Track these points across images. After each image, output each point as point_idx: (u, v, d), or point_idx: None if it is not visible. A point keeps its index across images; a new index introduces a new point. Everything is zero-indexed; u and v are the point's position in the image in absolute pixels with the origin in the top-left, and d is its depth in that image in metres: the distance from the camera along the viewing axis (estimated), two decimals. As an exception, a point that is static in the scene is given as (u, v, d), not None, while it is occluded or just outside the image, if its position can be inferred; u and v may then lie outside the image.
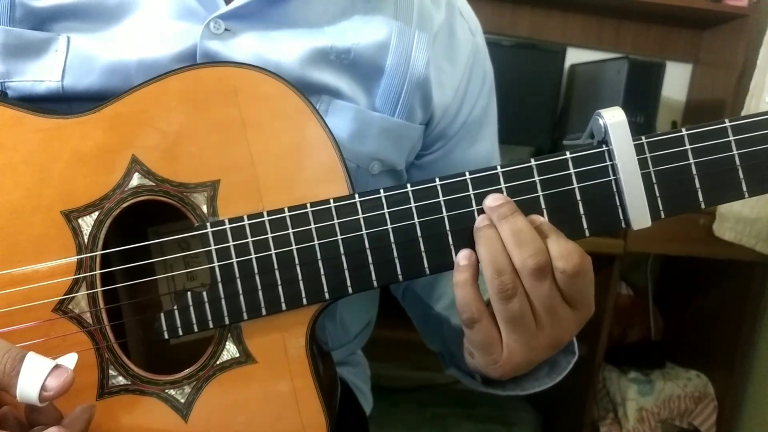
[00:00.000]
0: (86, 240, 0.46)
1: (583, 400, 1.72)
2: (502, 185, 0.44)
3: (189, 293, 0.45)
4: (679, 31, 1.93)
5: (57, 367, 0.38)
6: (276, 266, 0.45)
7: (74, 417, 0.40)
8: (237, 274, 0.45)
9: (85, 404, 0.41)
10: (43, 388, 0.37)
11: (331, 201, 0.45)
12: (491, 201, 0.43)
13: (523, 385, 0.57)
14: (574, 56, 1.85)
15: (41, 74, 0.51)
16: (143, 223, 0.51)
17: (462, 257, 0.44)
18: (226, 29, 0.52)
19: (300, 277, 0.45)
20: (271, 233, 0.45)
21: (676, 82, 1.95)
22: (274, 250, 0.45)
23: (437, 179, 0.45)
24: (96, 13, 0.52)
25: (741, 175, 0.44)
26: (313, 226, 0.45)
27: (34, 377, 0.37)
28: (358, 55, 0.55)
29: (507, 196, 0.44)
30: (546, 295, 0.42)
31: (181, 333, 0.46)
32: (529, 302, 0.42)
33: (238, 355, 0.46)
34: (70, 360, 0.39)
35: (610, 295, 1.62)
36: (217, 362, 0.46)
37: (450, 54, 0.61)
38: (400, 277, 0.45)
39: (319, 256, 0.45)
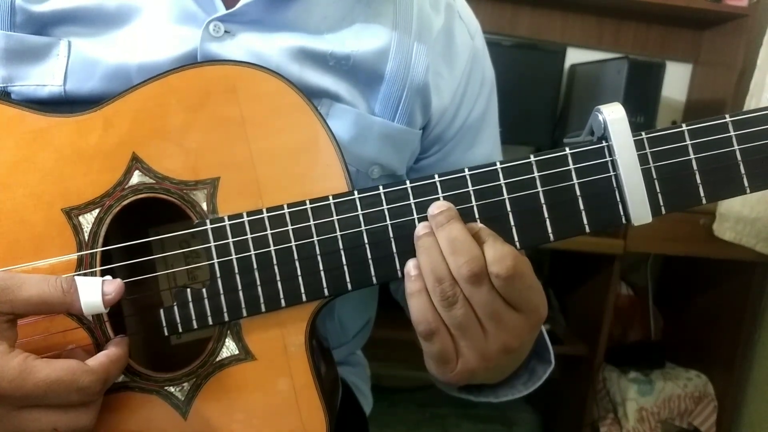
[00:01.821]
0: (87, 237, 0.46)
1: (583, 400, 1.73)
2: (501, 181, 0.44)
3: (188, 290, 0.45)
4: (679, 31, 1.93)
5: (104, 280, 0.42)
6: (275, 262, 0.45)
7: (116, 341, 0.45)
8: (236, 271, 0.45)
9: (119, 335, 0.46)
10: (104, 294, 0.42)
11: (330, 198, 0.45)
12: (432, 209, 0.44)
13: (498, 392, 0.57)
14: (574, 56, 1.85)
15: (43, 78, 0.51)
16: (143, 220, 0.51)
17: (412, 267, 0.44)
18: (226, 32, 0.52)
19: (299, 273, 0.45)
20: (271, 230, 0.45)
21: (676, 82, 1.95)
22: (273, 246, 0.45)
23: (436, 176, 0.45)
24: (96, 18, 0.52)
25: (742, 170, 0.44)
26: (312, 222, 0.45)
27: (92, 289, 0.42)
28: (357, 61, 0.55)
29: (448, 203, 0.44)
30: (485, 300, 0.42)
31: (180, 329, 0.46)
32: (472, 308, 0.42)
33: (237, 352, 0.46)
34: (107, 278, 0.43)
35: (610, 295, 1.62)
36: (217, 359, 0.46)
37: (448, 58, 0.61)
38: (399, 273, 0.45)
39: (318, 252, 0.45)
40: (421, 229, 0.44)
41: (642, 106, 1.65)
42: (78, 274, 0.45)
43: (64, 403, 0.40)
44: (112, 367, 0.42)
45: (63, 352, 0.44)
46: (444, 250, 0.42)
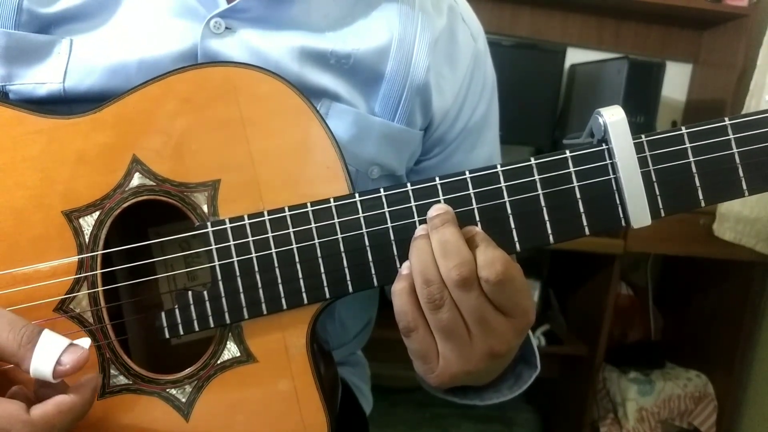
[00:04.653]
0: (87, 240, 0.46)
1: (583, 400, 1.73)
2: (502, 184, 0.44)
3: (190, 292, 0.45)
4: (679, 31, 1.93)
5: (72, 345, 0.39)
6: (276, 265, 0.45)
7: (80, 384, 0.40)
8: (237, 273, 0.45)
9: (90, 374, 0.41)
10: (58, 362, 0.38)
11: (332, 200, 0.45)
12: (431, 211, 0.44)
13: (483, 395, 0.57)
14: (574, 56, 1.85)
15: (43, 77, 0.51)
16: (144, 223, 0.51)
17: (404, 267, 0.44)
18: (226, 28, 0.52)
19: (300, 276, 0.45)
20: (272, 232, 0.45)
21: (676, 82, 1.95)
22: (275, 249, 0.45)
23: (437, 178, 0.45)
24: (98, 12, 0.52)
25: (741, 173, 0.44)
26: (313, 225, 0.45)
27: (50, 352, 0.38)
28: (358, 60, 0.55)
29: (447, 206, 0.44)
30: (474, 305, 0.42)
31: (181, 332, 0.46)
32: (459, 312, 0.42)
33: (239, 354, 0.46)
34: (83, 342, 0.40)
35: (610, 295, 1.62)
36: (218, 361, 0.46)
37: (450, 59, 0.61)
38: (400, 275, 0.45)
39: (319, 255, 0.45)
40: (418, 231, 0.44)
41: (642, 106, 1.65)
42: (81, 276, 0.46)
43: None
44: (59, 419, 0.38)
45: (9, 393, 0.41)
46: (435, 253, 0.42)
